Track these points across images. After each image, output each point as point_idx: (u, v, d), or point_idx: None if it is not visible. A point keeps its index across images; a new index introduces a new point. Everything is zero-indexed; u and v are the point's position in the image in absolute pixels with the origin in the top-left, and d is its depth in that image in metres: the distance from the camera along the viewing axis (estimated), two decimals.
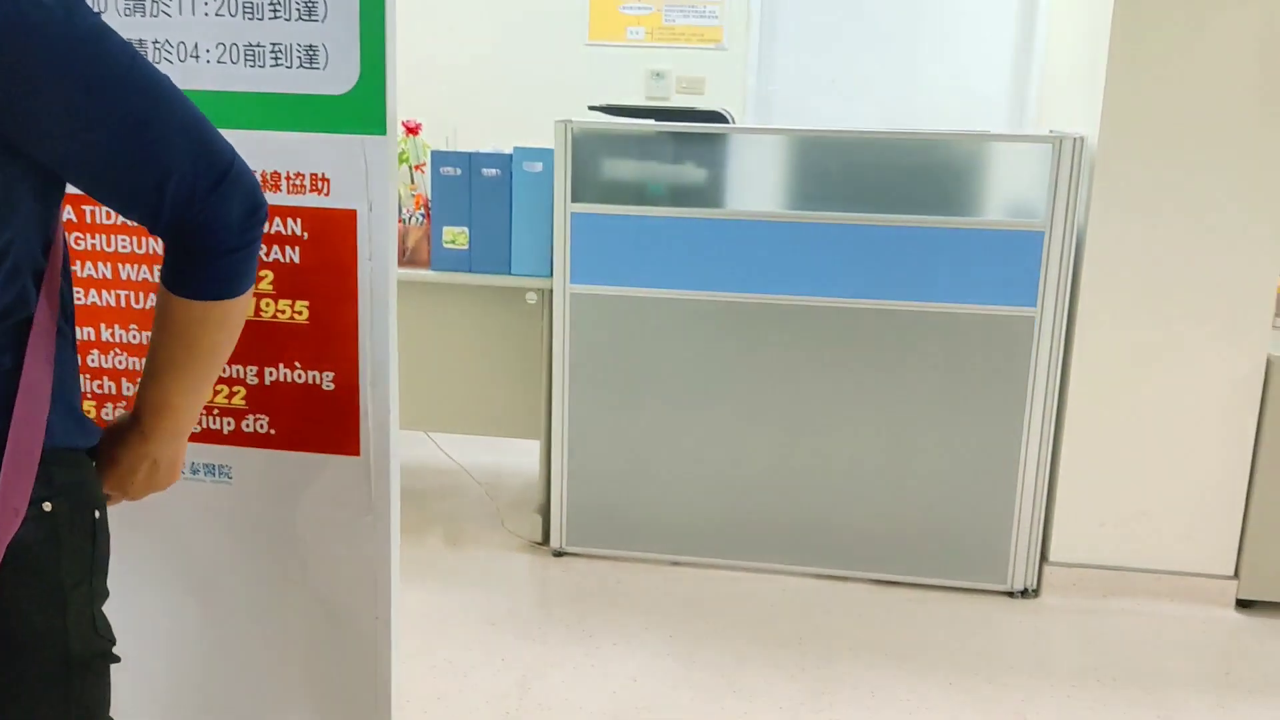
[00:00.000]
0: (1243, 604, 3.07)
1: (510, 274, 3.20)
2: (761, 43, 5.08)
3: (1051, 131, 3.08)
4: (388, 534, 1.61)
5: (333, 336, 1.56)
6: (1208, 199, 2.88)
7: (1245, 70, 2.81)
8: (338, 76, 1.48)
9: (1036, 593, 3.13)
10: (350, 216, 1.52)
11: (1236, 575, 3.06)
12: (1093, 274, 2.97)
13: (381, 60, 1.46)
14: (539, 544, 3.36)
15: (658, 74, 5.16)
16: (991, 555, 3.12)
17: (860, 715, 2.52)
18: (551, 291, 3.17)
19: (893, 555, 3.17)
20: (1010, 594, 3.13)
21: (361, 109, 1.48)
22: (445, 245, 3.21)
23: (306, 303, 1.56)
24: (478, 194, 3.17)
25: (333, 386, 1.58)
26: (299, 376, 1.58)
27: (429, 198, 3.24)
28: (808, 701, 2.57)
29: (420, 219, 3.28)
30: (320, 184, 1.51)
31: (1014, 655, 2.82)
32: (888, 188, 3.02)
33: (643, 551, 3.27)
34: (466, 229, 3.19)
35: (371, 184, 1.51)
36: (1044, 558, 3.14)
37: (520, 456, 3.88)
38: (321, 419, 1.59)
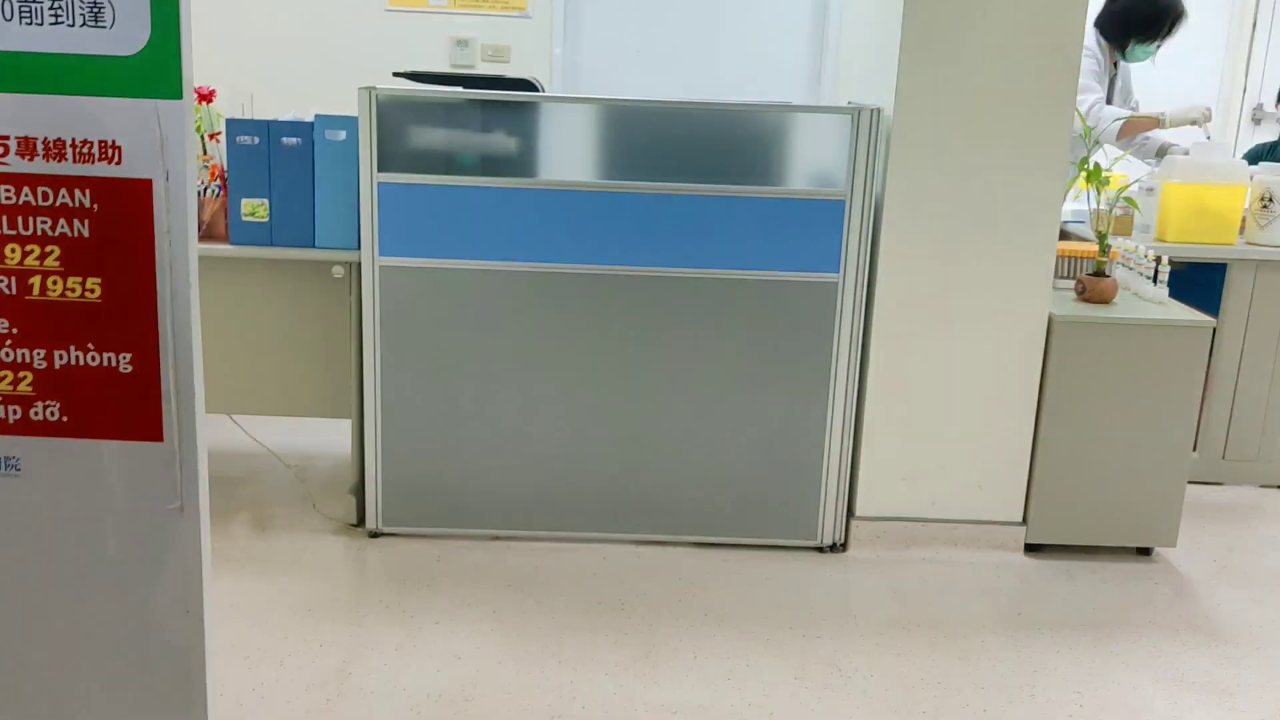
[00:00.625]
0: (1031, 548, 3.28)
1: (315, 247, 3.09)
2: (567, 11, 5.06)
3: (850, 103, 3.19)
4: (197, 522, 1.53)
5: (129, 315, 1.46)
6: (994, 167, 3.04)
7: (1027, 43, 2.97)
8: (127, 35, 1.37)
9: (844, 547, 3.26)
10: (145, 186, 1.42)
11: (1025, 522, 3.26)
12: (890, 240, 3.09)
13: (175, 17, 1.37)
14: (354, 526, 3.27)
15: (462, 42, 5.06)
16: (802, 512, 3.23)
17: (682, 677, 2.57)
18: (359, 264, 3.07)
19: (711, 518, 3.23)
20: (820, 549, 3.25)
21: (154, 71, 1.38)
22: (244, 218, 3.06)
23: (99, 280, 1.45)
24: (278, 164, 3.03)
25: (131, 368, 1.48)
26: (93, 359, 1.48)
27: (225, 168, 3.08)
28: (632, 667, 2.60)
29: (216, 190, 3.12)
30: (111, 152, 1.41)
31: (825, 608, 2.93)
32: (696, 158, 3.05)
33: (463, 528, 3.23)
34: (267, 200, 3.05)
35: (168, 151, 1.41)
36: (851, 513, 3.27)
37: (332, 436, 3.76)
38: (120, 403, 1.49)
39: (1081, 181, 3.24)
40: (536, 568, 3.08)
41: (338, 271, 3.12)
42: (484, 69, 5.00)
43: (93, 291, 1.45)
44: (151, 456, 1.51)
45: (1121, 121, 3.89)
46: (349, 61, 4.87)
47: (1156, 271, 3.30)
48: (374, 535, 3.22)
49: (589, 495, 3.21)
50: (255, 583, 2.92)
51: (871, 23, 3.31)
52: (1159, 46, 4.15)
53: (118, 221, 1.43)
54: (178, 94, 1.40)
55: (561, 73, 5.06)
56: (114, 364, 1.48)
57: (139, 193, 1.42)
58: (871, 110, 2.98)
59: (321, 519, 3.32)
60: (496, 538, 3.23)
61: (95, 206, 1.43)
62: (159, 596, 1.56)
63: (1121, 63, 4.24)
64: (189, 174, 1.43)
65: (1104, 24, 4.18)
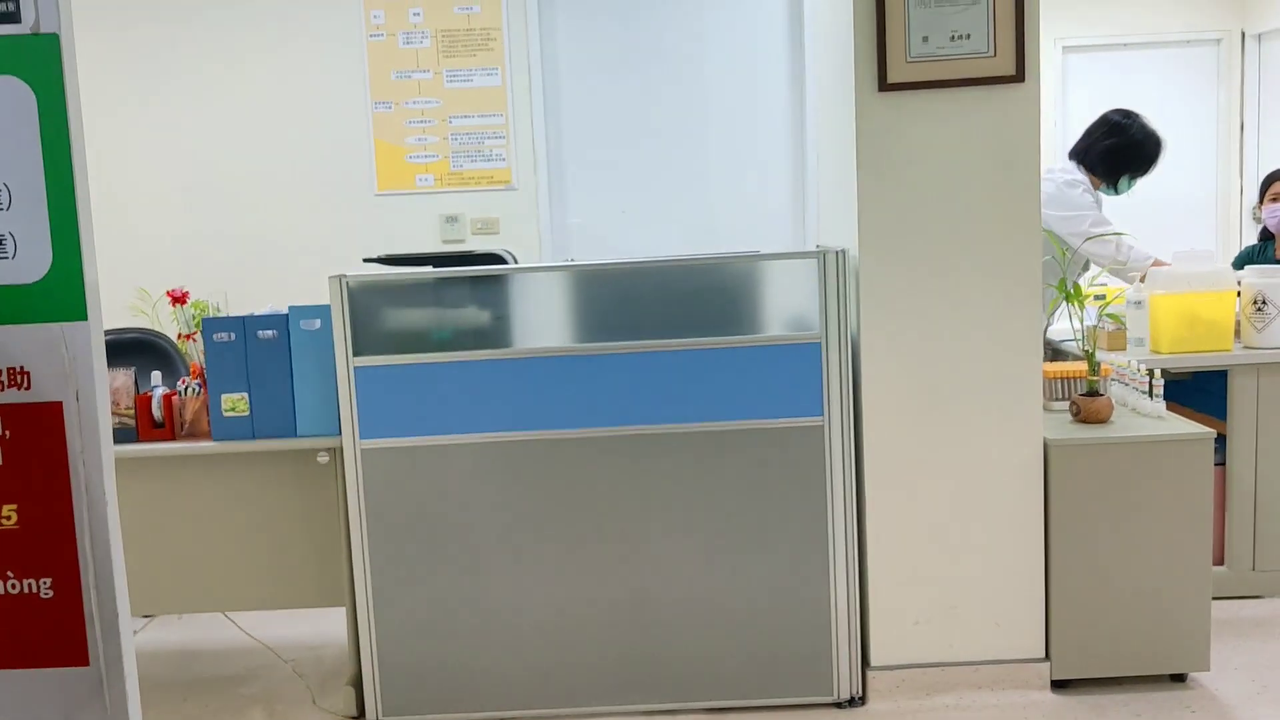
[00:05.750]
0: (1058, 685, 3.12)
1: (296, 435, 3.09)
2: (550, 181, 5.18)
3: (818, 246, 3.20)
4: None
5: (46, 539, 1.44)
6: (968, 295, 3.02)
7: (982, 171, 2.98)
8: (29, 263, 1.40)
9: (863, 700, 3.12)
10: (55, 409, 1.42)
11: (1048, 657, 3.12)
12: (871, 377, 3.06)
13: (75, 244, 1.39)
14: (354, 718, 3.17)
15: (451, 218, 5.19)
16: (816, 667, 3.11)
17: None
18: (342, 449, 3.06)
19: (721, 681, 3.11)
20: (839, 704, 3.11)
21: (57, 296, 1.40)
22: (225, 414, 3.08)
23: (15, 506, 1.44)
24: (255, 358, 3.06)
25: (51, 593, 1.45)
26: (12, 586, 1.45)
27: (204, 366, 3.12)
28: None
29: (197, 389, 3.15)
30: (19, 377, 1.42)
31: None
32: (671, 313, 3.05)
33: (466, 712, 3.13)
34: (246, 394, 3.07)
35: (77, 372, 1.42)
36: (866, 663, 3.14)
37: (334, 626, 3.69)
38: (41, 630, 1.46)
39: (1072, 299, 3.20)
40: None
41: (322, 458, 3.11)
42: (474, 242, 5.11)
43: (9, 518, 1.44)
44: (77, 682, 1.47)
45: (1149, 263, 3.89)
46: (344, 246, 4.99)
47: (1151, 385, 3.23)
48: None
49: (592, 666, 3.11)
50: None
51: (834, 166, 3.35)
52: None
53: (29, 446, 1.42)
54: (82, 315, 1.41)
55: (550, 239, 5.15)
56: (34, 590, 1.46)
57: (49, 416, 1.42)
58: (837, 252, 2.98)
59: (323, 714, 3.22)
60: (501, 719, 3.12)
61: (6, 433, 1.43)
62: None
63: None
64: (99, 391, 1.42)
65: (1092, 160, 4.15)
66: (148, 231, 5.14)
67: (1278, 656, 3.28)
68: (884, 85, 2.93)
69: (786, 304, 3.09)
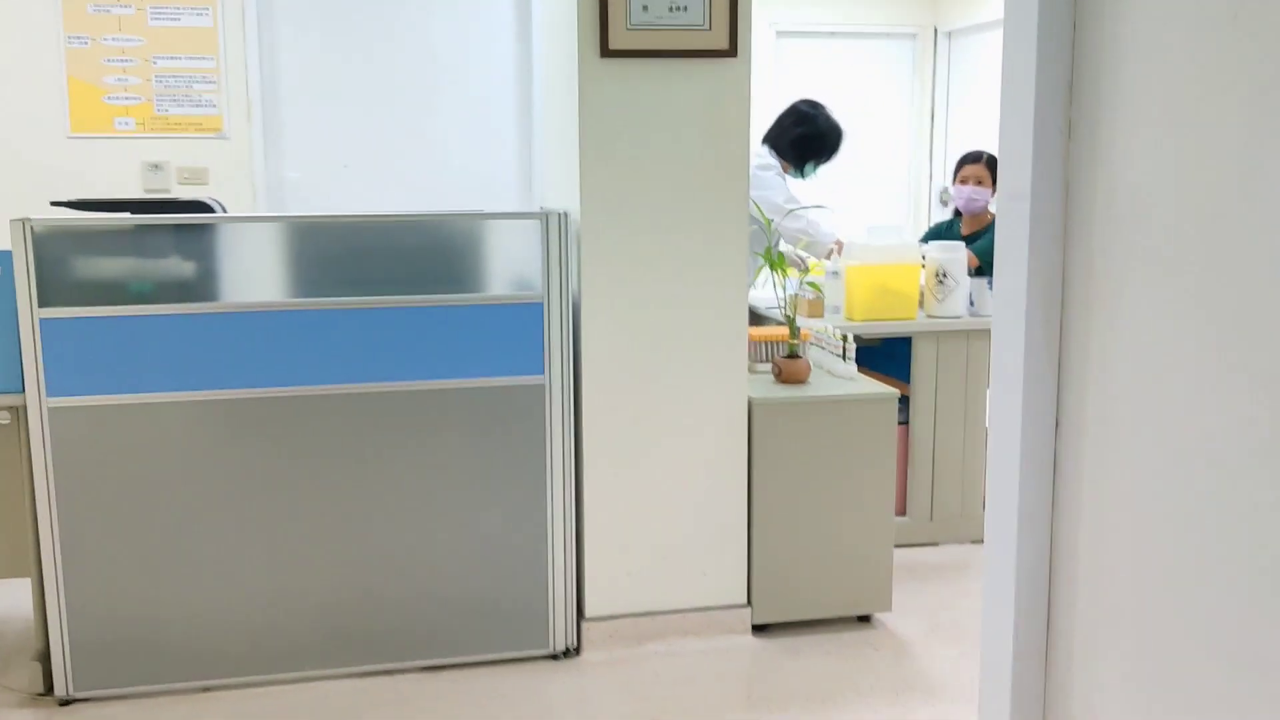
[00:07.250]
0: (758, 629, 3.33)
1: None
2: (266, 131, 4.95)
3: (541, 208, 3.23)
4: None
5: None
6: (681, 260, 3.14)
7: (698, 146, 3.10)
8: None
9: (578, 651, 3.21)
10: None
11: (749, 603, 3.31)
12: (591, 338, 3.13)
13: None
14: (42, 695, 2.96)
15: (155, 166, 4.86)
16: (532, 621, 3.17)
17: None
18: (25, 408, 2.83)
19: (438, 639, 3.12)
20: (554, 656, 3.18)
21: None
22: None
23: None
24: None
25: None
26: None
27: None
28: None
29: None
30: None
31: (561, 717, 2.86)
32: (390, 269, 3.01)
33: (167, 684, 2.98)
34: None
35: None
36: (581, 615, 3.23)
37: (15, 599, 3.42)
38: None
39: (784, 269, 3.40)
40: (251, 717, 2.87)
41: (2, 418, 2.86)
42: (180, 193, 4.81)
43: None
44: None
45: (832, 241, 4.23)
46: (34, 192, 4.57)
47: (845, 349, 3.47)
48: (65, 703, 2.92)
49: (305, 630, 3.04)
50: None
51: (557, 129, 3.39)
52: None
53: None
54: None
55: (265, 193, 4.93)
56: None
57: None
58: (559, 214, 3.03)
59: (5, 692, 2.98)
60: (207, 689, 3.00)
61: None
62: None
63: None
64: None
65: (782, 146, 4.50)
66: None
67: (949, 598, 3.64)
68: (605, 51, 2.99)
69: (509, 264, 3.11)
